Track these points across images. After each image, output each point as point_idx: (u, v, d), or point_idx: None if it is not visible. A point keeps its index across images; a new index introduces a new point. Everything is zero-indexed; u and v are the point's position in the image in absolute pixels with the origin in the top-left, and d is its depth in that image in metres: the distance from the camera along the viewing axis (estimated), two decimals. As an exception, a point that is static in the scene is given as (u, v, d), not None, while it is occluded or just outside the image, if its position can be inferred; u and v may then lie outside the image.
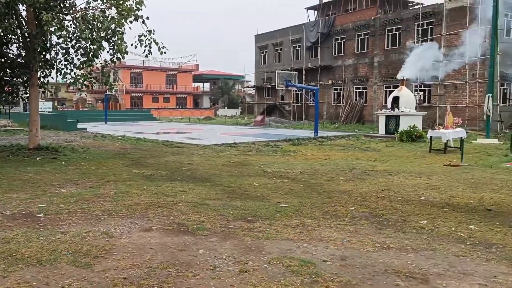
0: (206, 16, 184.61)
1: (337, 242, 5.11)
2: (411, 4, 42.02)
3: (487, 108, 19.69)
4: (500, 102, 29.31)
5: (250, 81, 70.64)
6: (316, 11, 46.62)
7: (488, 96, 19.87)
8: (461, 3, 30.06)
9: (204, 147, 16.66)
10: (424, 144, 17.40)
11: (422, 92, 34.98)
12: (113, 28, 12.46)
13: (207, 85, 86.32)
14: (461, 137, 14.98)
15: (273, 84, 39.14)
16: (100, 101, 54.55)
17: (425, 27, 33.37)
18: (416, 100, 34.21)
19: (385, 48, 36.70)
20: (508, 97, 31.32)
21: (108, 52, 13.11)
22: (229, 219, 6.05)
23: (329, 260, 4.48)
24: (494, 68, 27.85)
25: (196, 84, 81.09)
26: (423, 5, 34.84)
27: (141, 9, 12.52)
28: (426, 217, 6.36)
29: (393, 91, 33.12)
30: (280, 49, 46.96)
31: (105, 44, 12.75)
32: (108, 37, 12.61)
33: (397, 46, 35.59)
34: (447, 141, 14.61)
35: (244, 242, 5.00)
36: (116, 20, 12.43)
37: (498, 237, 5.41)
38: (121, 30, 12.58)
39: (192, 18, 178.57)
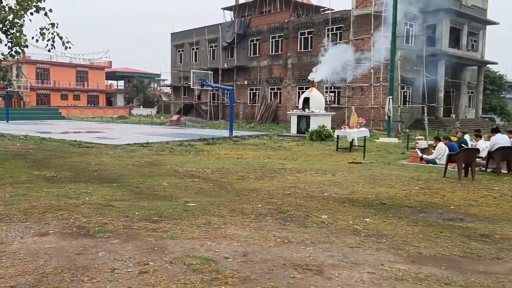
0: (120, 11, 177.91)
1: (241, 239, 5.21)
2: (322, 9, 43.87)
3: (388, 109, 21.17)
4: (400, 104, 31.64)
5: (167, 80, 69.40)
6: (232, 12, 46.97)
7: (389, 98, 21.37)
8: (367, 11, 32.01)
9: (114, 147, 16.08)
10: (332, 143, 18.28)
11: (332, 94, 36.73)
12: (10, 19, 11.56)
13: (121, 83, 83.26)
14: (365, 137, 15.96)
15: (190, 83, 38.87)
16: (0, 98, 50.30)
17: (335, 31, 35.07)
18: (327, 101, 35.91)
19: (298, 50, 37.98)
20: (408, 99, 33.92)
21: (6, 45, 12.14)
22: (133, 220, 5.91)
23: (231, 257, 4.56)
24: (394, 72, 30.10)
25: (109, 82, 77.86)
26: (333, 11, 36.61)
27: (44, 1, 11.75)
28: (327, 212, 6.70)
29: (305, 92, 34.52)
30: (197, 48, 46.67)
31: (2, 36, 11.80)
32: (5, 29, 11.68)
33: (309, 49, 37.02)
34: (352, 140, 15.50)
35: (147, 243, 4.91)
36: (15, 11, 11.55)
37: (389, 228, 5.85)
38: (20, 22, 11.71)
39: (105, 16, 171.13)
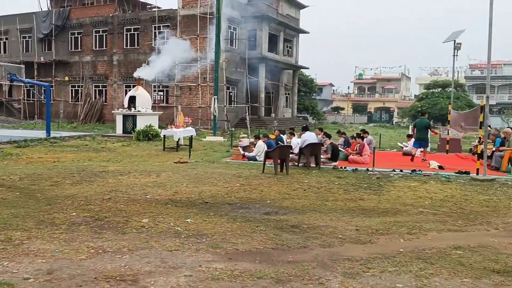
0: None
1: (47, 254, 4.65)
2: (149, 6, 42.93)
3: (214, 108, 21.81)
4: (226, 103, 33.00)
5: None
6: (49, 1, 42.69)
7: (214, 98, 22.04)
8: (193, 12, 32.46)
9: None
10: (160, 142, 17.95)
11: (161, 93, 36.32)
12: None
13: None
14: (191, 136, 16.11)
15: (-4, 77, 34.02)
16: None
17: (162, 30, 34.66)
18: (156, 100, 35.41)
19: (124, 47, 36.52)
20: (233, 99, 35.55)
21: None
22: None
23: (33, 276, 4.02)
24: (220, 73, 31.21)
25: None
26: (160, 9, 36.20)
27: None
28: (149, 215, 6.48)
29: (131, 90, 33.38)
30: (6, 39, 41.19)
31: None
32: None
33: (136, 46, 35.94)
34: (178, 139, 15.49)
35: None
36: None
37: (209, 227, 5.92)
38: None
39: None
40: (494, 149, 12.63)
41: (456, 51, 17.27)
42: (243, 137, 18.05)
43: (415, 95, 65.19)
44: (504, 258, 4.87)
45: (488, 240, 5.64)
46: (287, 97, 43.21)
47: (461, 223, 6.51)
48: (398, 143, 18.04)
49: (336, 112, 67.77)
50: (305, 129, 12.73)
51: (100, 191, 8.10)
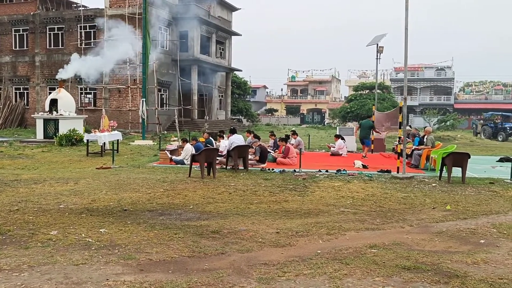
0: None
1: None
2: (75, 5, 41.02)
3: (142, 111, 21.16)
4: (158, 106, 32.22)
5: None
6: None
7: (142, 101, 21.40)
8: (121, 11, 31.41)
9: None
10: (84, 148, 17.10)
11: (90, 95, 34.78)
12: None
13: None
14: (117, 140, 15.47)
15: None
16: None
17: (88, 30, 33.25)
18: (83, 103, 33.86)
19: (48, 47, 34.61)
20: (165, 102, 34.81)
21: None
22: None
23: None
24: (150, 75, 30.42)
25: None
26: (86, 8, 34.69)
27: None
28: (59, 226, 6.03)
29: (52, 93, 31.66)
30: None
31: None
32: None
33: (60, 46, 34.16)
34: (103, 143, 14.80)
35: None
36: None
37: (124, 237, 5.60)
38: None
39: None
40: (413, 148, 13.24)
41: (378, 54, 17.99)
42: (174, 140, 17.63)
43: (345, 96, 67.46)
44: (415, 255, 5.01)
45: (402, 237, 5.80)
46: (220, 99, 43.06)
47: (379, 221, 6.68)
48: (326, 144, 18.46)
49: (270, 114, 68.63)
50: (233, 131, 12.63)
51: (8, 202, 7.48)
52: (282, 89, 78.10)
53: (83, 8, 34.26)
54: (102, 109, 32.20)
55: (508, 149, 22.00)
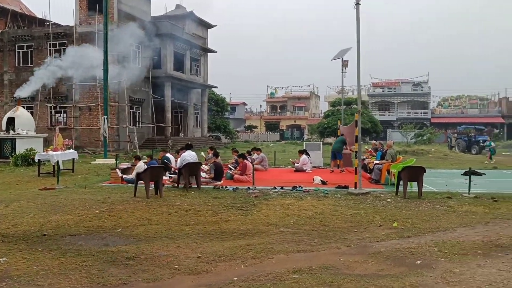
0: None
1: None
2: (48, 23, 40.44)
3: (103, 129, 20.55)
4: (130, 124, 31.61)
5: None
6: None
7: (104, 118, 20.80)
8: (91, 29, 30.91)
9: None
10: (43, 167, 16.39)
11: (59, 114, 33.97)
12: None
13: None
14: (73, 159, 14.83)
15: None
16: None
17: (58, 47, 32.63)
18: (53, 121, 33.04)
19: (16, 65, 33.91)
20: (137, 119, 34.17)
21: None
22: None
23: None
24: (122, 92, 29.96)
25: None
26: (55, 25, 34.15)
27: None
28: (-42, 255, 5.43)
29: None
30: None
31: None
32: None
33: (29, 64, 33.40)
34: (56, 163, 14.11)
35: None
36: None
37: (23, 267, 5.02)
38: None
39: None
40: (375, 162, 12.90)
41: (344, 68, 17.78)
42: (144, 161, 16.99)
43: (324, 112, 67.67)
44: (340, 280, 4.55)
45: (334, 259, 5.34)
46: (196, 116, 42.55)
47: (316, 241, 6.22)
48: (290, 160, 18.03)
49: (249, 131, 68.28)
50: (188, 147, 12.11)
51: None
52: (261, 106, 77.96)
53: (53, 26, 33.66)
54: (72, 128, 31.65)
55: (479, 162, 21.90)
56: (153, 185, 10.16)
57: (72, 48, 28.09)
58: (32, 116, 32.55)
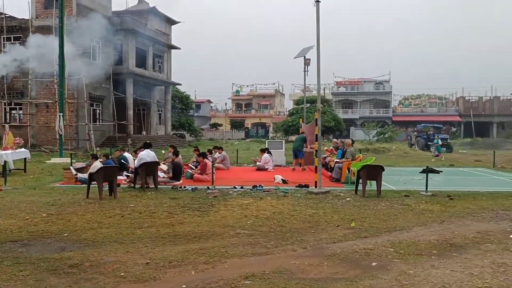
0: None
1: None
2: (2, 15, 38.71)
3: (58, 127, 19.76)
4: (90, 121, 30.65)
5: None
6: None
7: (59, 115, 20.01)
8: (48, 22, 29.73)
9: None
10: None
11: (14, 111, 32.56)
12: None
13: None
14: (25, 158, 14.14)
15: None
16: None
17: (13, 41, 31.25)
18: (7, 119, 31.61)
19: (-33, 59, 32.20)
20: (98, 117, 33.19)
21: None
22: None
23: None
24: (81, 88, 29.01)
25: None
26: (10, 18, 32.67)
27: None
28: None
29: None
30: None
31: None
32: None
33: (-18, 59, 31.82)
34: (5, 162, 13.38)
35: None
36: None
37: (-48, 278, 4.62)
38: None
39: None
40: (335, 160, 12.90)
41: (306, 66, 17.76)
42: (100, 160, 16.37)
43: (288, 110, 68.05)
44: (293, 285, 4.40)
45: (289, 262, 5.19)
46: (160, 114, 41.78)
47: (272, 243, 6.05)
48: (252, 158, 17.88)
49: (214, 129, 67.81)
50: (146, 146, 11.73)
51: None
52: (226, 104, 77.65)
53: (7, 19, 32.18)
54: (27, 126, 30.38)
55: (438, 159, 22.43)
56: (108, 185, 9.74)
57: (31, 37, 26.89)
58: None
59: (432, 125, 35.81)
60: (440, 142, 25.78)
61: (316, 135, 11.06)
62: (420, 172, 14.81)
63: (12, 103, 31.48)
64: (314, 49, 11.78)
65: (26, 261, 5.22)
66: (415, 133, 35.70)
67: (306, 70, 17.93)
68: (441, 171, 15.10)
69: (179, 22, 43.91)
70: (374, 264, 5.14)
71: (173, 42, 42.53)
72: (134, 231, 6.73)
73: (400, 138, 46.54)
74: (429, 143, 30.93)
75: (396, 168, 17.61)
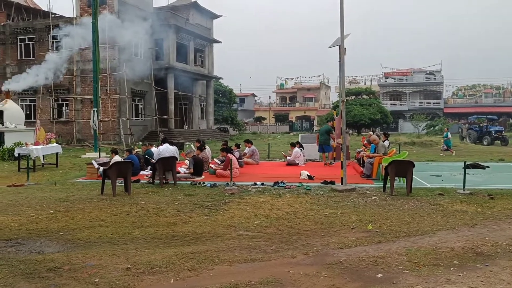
0: None
1: None
2: (53, 15, 40.15)
3: (93, 122, 20.02)
4: (132, 116, 31.18)
5: None
6: None
7: (93, 111, 20.24)
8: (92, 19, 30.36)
9: None
10: (31, 162, 15.94)
11: (62, 107, 33.68)
12: None
13: None
14: (57, 153, 14.33)
15: None
16: None
17: (58, 39, 32.24)
18: (54, 115, 32.75)
19: (19, 58, 33.68)
20: (140, 112, 33.70)
21: None
22: None
23: None
24: (122, 84, 29.45)
25: None
26: (55, 16, 33.81)
27: None
28: None
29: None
30: None
31: None
32: None
33: (31, 57, 33.15)
34: (36, 157, 13.61)
35: None
36: None
37: None
38: None
39: None
40: (366, 155, 12.08)
41: (342, 56, 16.81)
42: (138, 151, 16.42)
43: (333, 103, 66.55)
44: (275, 300, 3.85)
45: (283, 271, 4.62)
46: (202, 108, 41.90)
47: (274, 248, 5.51)
48: (282, 153, 17.23)
49: (258, 122, 67.48)
50: (164, 141, 11.46)
51: None
52: (270, 97, 77.07)
53: (53, 17, 33.27)
54: (73, 121, 31.30)
55: (489, 153, 20.81)
56: (123, 181, 9.53)
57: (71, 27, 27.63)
58: (35, 109, 32.61)
59: (485, 116, 33.55)
60: (449, 136, 22.19)
61: (342, 128, 10.31)
62: (463, 168, 13.68)
63: (59, 99, 32.53)
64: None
65: (7, 262, 4.98)
66: (467, 125, 33.60)
67: (340, 60, 16.98)
68: (488, 167, 13.89)
69: (221, 16, 43.77)
70: (379, 276, 4.47)
71: (217, 37, 42.45)
72: (132, 230, 6.40)
73: (452, 131, 44.12)
74: (487, 135, 28.97)
75: (439, 163, 16.40)
